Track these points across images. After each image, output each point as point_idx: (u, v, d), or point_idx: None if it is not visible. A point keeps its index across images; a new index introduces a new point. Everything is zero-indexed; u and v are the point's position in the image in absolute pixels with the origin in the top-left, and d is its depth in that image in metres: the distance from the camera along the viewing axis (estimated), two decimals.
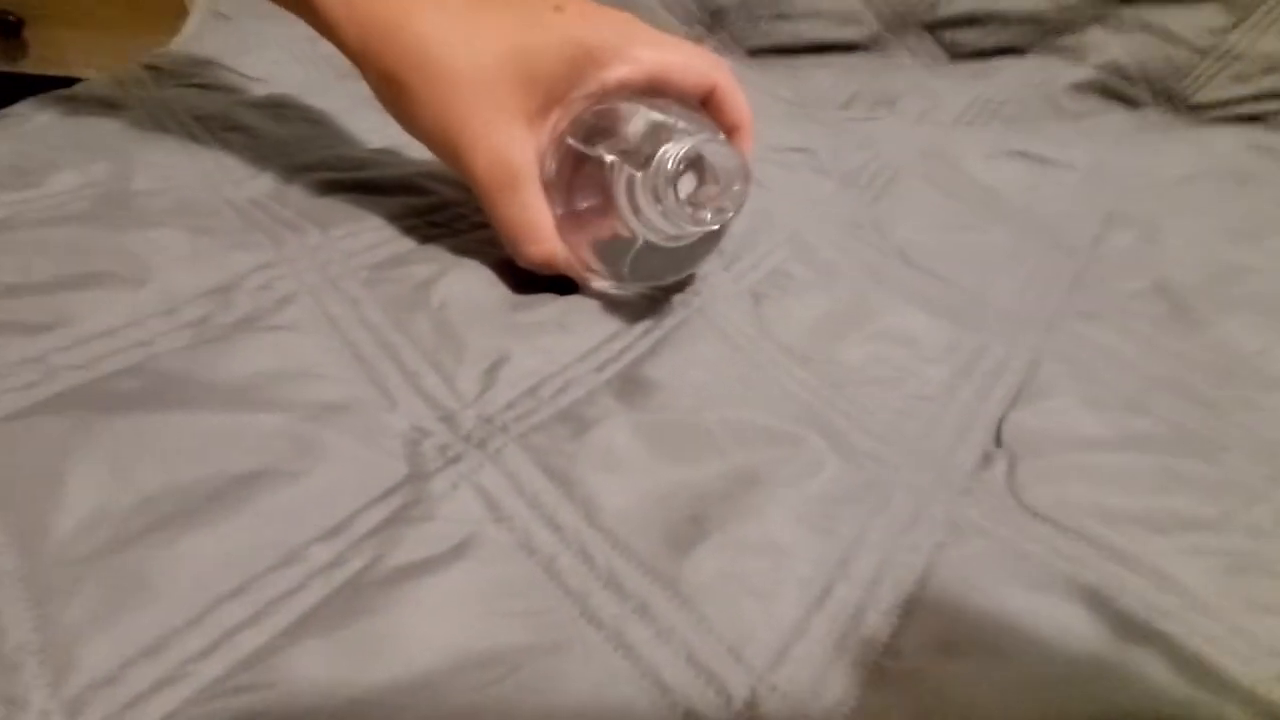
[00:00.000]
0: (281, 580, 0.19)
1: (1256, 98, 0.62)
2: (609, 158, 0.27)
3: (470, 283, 0.30)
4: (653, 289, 0.32)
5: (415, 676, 0.17)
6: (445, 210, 0.36)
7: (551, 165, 0.29)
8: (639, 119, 0.27)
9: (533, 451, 0.23)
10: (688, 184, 0.26)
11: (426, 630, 0.18)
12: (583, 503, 0.22)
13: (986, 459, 0.26)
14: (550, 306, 0.30)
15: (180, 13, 0.83)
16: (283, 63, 0.53)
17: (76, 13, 0.85)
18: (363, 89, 0.40)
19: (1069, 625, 0.20)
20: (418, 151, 0.41)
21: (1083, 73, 0.62)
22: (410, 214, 0.35)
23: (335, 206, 0.35)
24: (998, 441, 0.27)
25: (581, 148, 0.28)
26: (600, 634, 0.18)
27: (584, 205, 0.28)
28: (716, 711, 0.17)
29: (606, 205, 0.27)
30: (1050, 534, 0.23)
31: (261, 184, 0.36)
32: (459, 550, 0.20)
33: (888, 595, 0.20)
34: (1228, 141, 0.57)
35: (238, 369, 0.25)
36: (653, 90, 0.29)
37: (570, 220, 0.29)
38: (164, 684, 0.16)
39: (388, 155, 0.40)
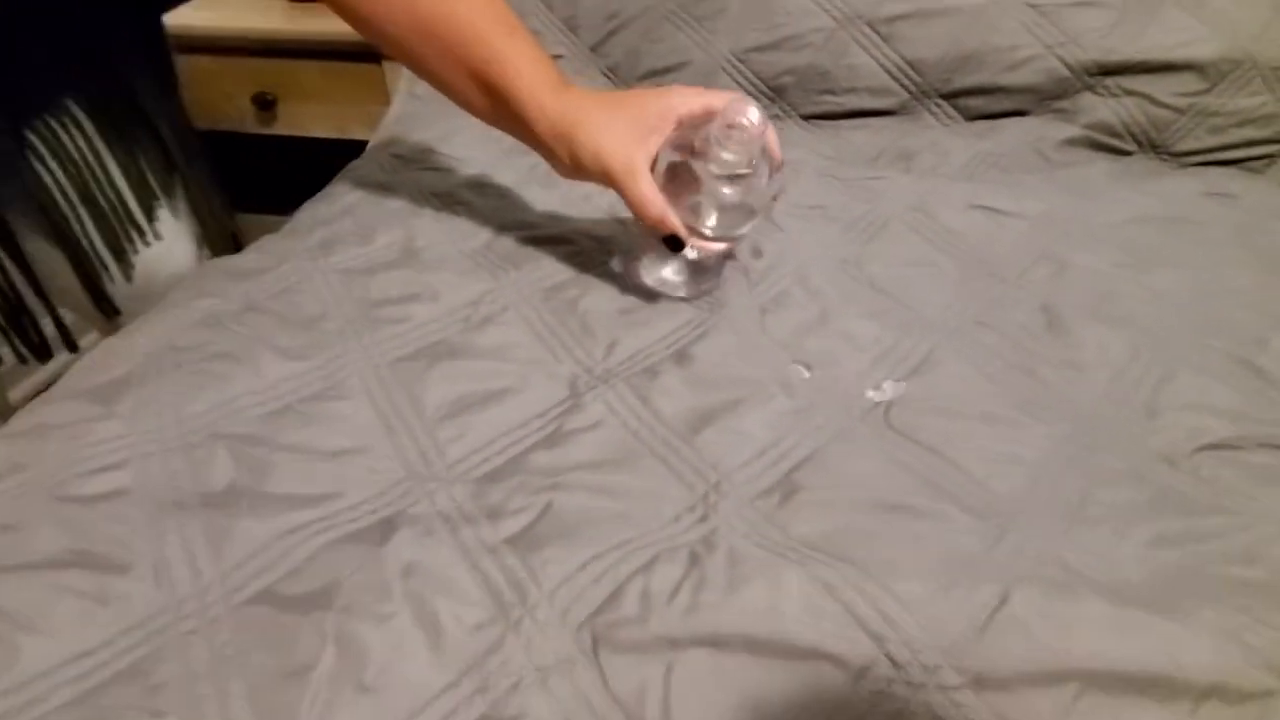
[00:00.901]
0: (522, 432, 0.45)
1: (1230, 146, 0.76)
2: (689, 159, 0.51)
3: (599, 300, 0.56)
4: (702, 296, 0.56)
5: (580, 463, 0.42)
6: (584, 255, 0.62)
7: (658, 168, 0.53)
8: (701, 134, 0.51)
9: (630, 387, 0.49)
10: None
11: (582, 452, 0.43)
12: (653, 410, 0.47)
13: (878, 405, 0.48)
14: (641, 313, 0.55)
15: (381, 87, 1.17)
16: (471, 144, 0.81)
17: (312, 91, 1.20)
18: (525, 163, 0.67)
19: (892, 481, 0.42)
20: (567, 213, 0.67)
21: (1072, 130, 0.79)
22: (564, 258, 0.61)
23: (521, 253, 0.62)
24: (888, 394, 0.48)
25: (675, 156, 0.52)
26: (655, 459, 0.43)
27: (680, 191, 0.52)
28: (703, 485, 0.41)
29: (694, 187, 0.51)
30: (899, 439, 0.45)
31: (479, 240, 0.64)
32: (595, 426, 0.46)
33: (794, 455, 0.43)
34: (1190, 187, 0.72)
35: (486, 343, 0.52)
36: (707, 114, 0.52)
37: (672, 201, 0.52)
38: (483, 460, 0.43)
39: (548, 219, 0.67)
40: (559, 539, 0.37)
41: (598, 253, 0.63)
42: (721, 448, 0.44)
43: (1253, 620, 0.32)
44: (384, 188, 0.73)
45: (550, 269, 0.60)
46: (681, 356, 0.51)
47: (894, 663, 0.31)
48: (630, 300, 0.57)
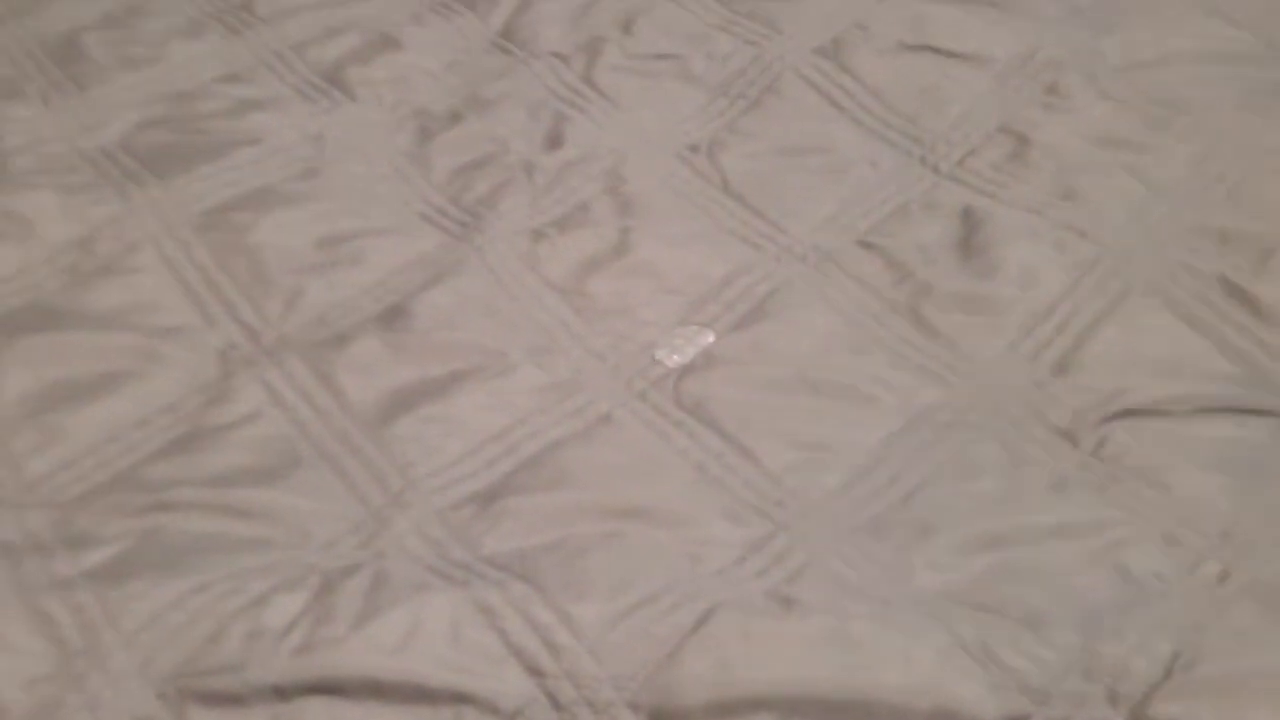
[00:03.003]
0: (140, 435, 0.62)
1: None
2: None
3: (284, 227, 0.73)
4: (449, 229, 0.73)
5: (213, 476, 0.59)
6: (274, 159, 0.78)
7: None
8: None
9: (308, 360, 0.65)
10: None
11: (221, 458, 0.60)
12: (335, 394, 0.64)
13: (670, 372, 0.65)
14: (351, 245, 0.72)
15: None
16: None
17: None
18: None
19: (646, 480, 0.59)
20: (259, 85, 0.83)
21: None
22: (239, 163, 0.77)
23: (172, 153, 0.78)
24: (688, 353, 0.66)
25: None
26: (323, 463, 0.60)
27: None
28: (381, 496, 0.58)
29: None
30: (685, 420, 0.62)
31: (109, 132, 0.80)
32: (247, 420, 0.63)
33: (523, 450, 0.61)
34: None
35: (102, 302, 0.69)
36: None
37: None
38: (76, 477, 0.59)
39: (218, 93, 0.83)
40: (154, 570, 0.53)
41: (297, 149, 0.79)
42: (420, 443, 0.61)
43: (1035, 638, 0.50)
44: None
45: (213, 180, 0.77)
46: (394, 314, 0.68)
47: (555, 703, 0.48)
48: (340, 225, 0.74)
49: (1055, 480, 0.59)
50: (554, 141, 0.80)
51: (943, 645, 0.49)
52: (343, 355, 0.66)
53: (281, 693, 0.49)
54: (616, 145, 0.80)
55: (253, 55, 0.88)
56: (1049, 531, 0.56)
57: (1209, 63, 0.85)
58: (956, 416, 0.63)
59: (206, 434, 0.62)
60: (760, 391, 0.64)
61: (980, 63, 0.85)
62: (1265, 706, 0.47)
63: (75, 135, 0.80)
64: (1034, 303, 0.68)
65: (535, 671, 0.49)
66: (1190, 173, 0.76)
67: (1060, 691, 0.48)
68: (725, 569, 0.54)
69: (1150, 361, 0.65)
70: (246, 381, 0.65)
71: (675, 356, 0.67)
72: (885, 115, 0.82)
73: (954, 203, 0.75)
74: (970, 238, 0.72)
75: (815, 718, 0.48)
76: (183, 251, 0.72)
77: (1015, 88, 0.84)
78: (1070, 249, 0.71)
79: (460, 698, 0.49)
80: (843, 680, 0.48)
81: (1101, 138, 0.79)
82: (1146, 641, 0.49)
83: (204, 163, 0.78)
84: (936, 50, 0.86)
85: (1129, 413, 0.62)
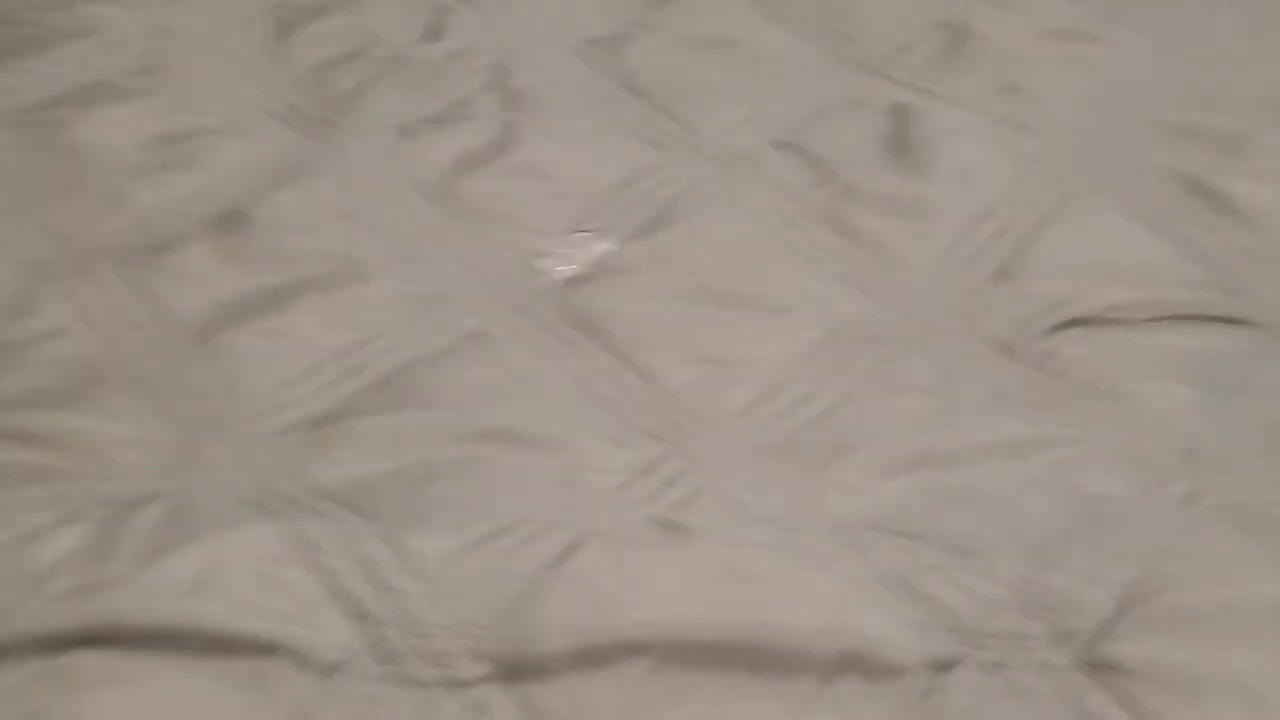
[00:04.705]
0: None
1: None
2: None
3: (109, 125, 0.65)
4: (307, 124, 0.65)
5: (27, 393, 0.50)
6: (109, 54, 0.69)
7: None
8: None
9: (123, 269, 0.57)
10: None
11: (17, 380, 0.51)
12: (155, 307, 0.55)
13: (557, 285, 0.57)
14: (186, 145, 0.64)
15: None
16: None
17: None
18: None
19: (519, 399, 0.51)
20: None
21: None
22: (64, 59, 0.68)
23: None
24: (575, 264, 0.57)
25: None
26: (130, 384, 0.52)
27: None
28: (196, 420, 0.49)
29: None
30: (573, 335, 0.54)
31: None
32: (48, 335, 0.54)
33: (375, 369, 0.52)
34: None
35: None
36: None
37: None
38: None
39: None
40: None
41: (137, 43, 0.71)
42: (248, 361, 0.53)
43: (966, 568, 0.42)
44: None
45: (35, 75, 0.68)
46: (230, 218, 0.60)
47: (381, 653, 0.40)
48: (176, 124, 0.66)
49: (993, 395, 0.52)
50: (433, 34, 0.73)
51: (853, 576, 0.41)
52: (164, 264, 0.58)
53: (49, 644, 0.40)
54: (504, 38, 0.72)
55: None
56: (986, 450, 0.49)
57: None
58: (880, 329, 0.56)
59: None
60: (660, 304, 0.57)
61: None
62: (1244, 641, 0.39)
63: None
64: (971, 203, 0.61)
65: (359, 616, 0.41)
66: (1147, 66, 0.70)
67: (993, 630, 0.40)
68: (603, 495, 0.47)
69: (1103, 266, 0.58)
70: (50, 294, 0.56)
71: (562, 266, 0.58)
72: (807, 9, 0.76)
73: (882, 100, 0.68)
74: (900, 136, 0.65)
75: (699, 663, 0.40)
76: None
77: None
78: (1012, 145, 0.64)
79: (265, 648, 0.40)
80: (732, 618, 0.40)
81: (1048, 30, 0.73)
82: (1097, 569, 0.42)
83: (27, 56, 0.69)
84: None
85: (1079, 322, 0.56)
